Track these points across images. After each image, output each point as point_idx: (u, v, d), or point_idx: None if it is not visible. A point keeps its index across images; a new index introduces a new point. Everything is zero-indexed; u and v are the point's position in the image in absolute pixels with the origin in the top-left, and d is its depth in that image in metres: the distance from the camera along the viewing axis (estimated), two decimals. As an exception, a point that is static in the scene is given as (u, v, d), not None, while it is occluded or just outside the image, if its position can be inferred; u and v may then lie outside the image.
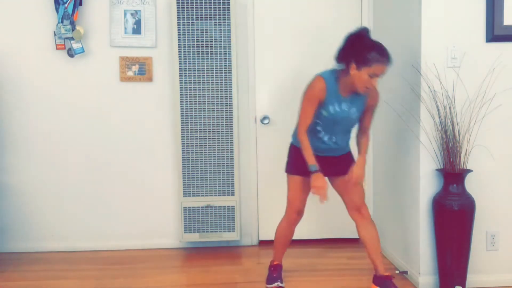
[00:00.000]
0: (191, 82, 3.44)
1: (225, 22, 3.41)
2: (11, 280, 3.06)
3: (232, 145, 3.50)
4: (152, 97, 3.58)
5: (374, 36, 3.59)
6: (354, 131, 2.76)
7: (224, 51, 3.43)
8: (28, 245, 3.59)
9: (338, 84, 2.54)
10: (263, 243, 3.73)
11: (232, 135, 3.49)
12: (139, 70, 3.54)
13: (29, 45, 3.49)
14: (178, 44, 3.41)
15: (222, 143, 3.50)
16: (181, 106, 3.45)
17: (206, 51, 3.43)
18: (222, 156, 3.50)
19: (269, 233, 3.67)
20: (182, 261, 3.45)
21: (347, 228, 3.72)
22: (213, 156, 3.50)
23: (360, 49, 2.42)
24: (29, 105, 3.53)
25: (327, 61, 3.65)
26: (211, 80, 3.45)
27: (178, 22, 3.39)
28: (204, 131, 3.48)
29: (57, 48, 3.48)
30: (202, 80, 3.44)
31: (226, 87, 3.46)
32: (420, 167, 2.80)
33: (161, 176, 3.64)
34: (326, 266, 3.27)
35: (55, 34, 3.46)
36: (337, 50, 2.55)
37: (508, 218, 2.86)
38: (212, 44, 3.42)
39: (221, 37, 3.42)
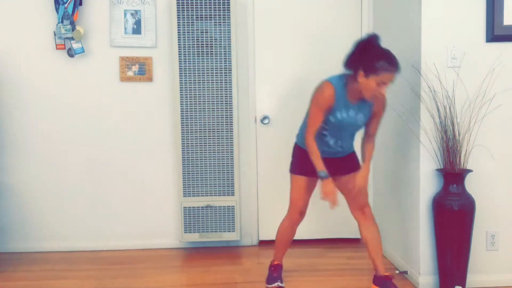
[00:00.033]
0: (191, 82, 3.44)
1: (225, 22, 3.41)
2: (11, 280, 3.06)
3: (232, 145, 3.50)
4: (152, 97, 3.59)
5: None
6: (360, 134, 2.75)
7: (224, 51, 3.43)
8: (28, 245, 3.59)
9: (346, 91, 2.52)
10: (263, 243, 3.73)
11: (232, 135, 3.49)
12: (139, 70, 3.54)
13: (29, 45, 3.49)
14: (178, 44, 3.41)
15: (222, 143, 3.50)
16: (181, 106, 3.45)
17: (206, 51, 3.43)
18: (222, 156, 3.50)
19: (269, 233, 3.67)
20: (182, 261, 3.45)
21: (347, 228, 3.73)
22: (213, 156, 3.50)
23: (368, 57, 2.40)
24: (29, 105, 3.53)
25: (327, 61, 3.67)
26: (211, 80, 3.45)
27: (178, 22, 3.39)
28: (204, 131, 3.48)
29: (57, 48, 3.48)
30: (202, 80, 3.44)
31: (226, 87, 3.46)
32: (420, 167, 2.81)
33: (161, 176, 3.64)
34: (326, 266, 3.27)
35: (55, 34, 3.46)
36: (345, 56, 2.53)
37: (508, 218, 2.86)
38: (212, 44, 3.42)
39: (221, 37, 3.42)
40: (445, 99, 2.72)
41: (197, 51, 3.42)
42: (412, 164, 2.90)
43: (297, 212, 2.81)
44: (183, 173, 3.50)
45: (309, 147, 2.58)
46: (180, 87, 3.44)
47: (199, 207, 3.53)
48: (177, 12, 3.38)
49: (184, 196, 3.51)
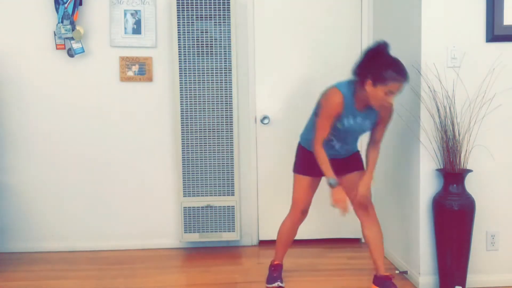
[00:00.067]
0: (191, 82, 3.44)
1: (225, 22, 3.40)
2: (11, 280, 3.06)
3: (232, 145, 3.50)
4: (152, 97, 3.59)
5: (374, 36, 3.61)
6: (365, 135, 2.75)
7: (224, 51, 3.43)
8: (28, 245, 3.59)
9: (354, 98, 2.51)
10: (263, 243, 3.73)
11: (232, 135, 3.49)
12: (139, 70, 3.54)
13: (29, 45, 3.49)
14: (178, 44, 3.41)
15: (222, 143, 3.50)
16: (181, 106, 3.45)
17: (206, 51, 3.43)
18: (222, 156, 3.50)
19: (269, 233, 3.67)
20: (182, 261, 3.45)
21: (347, 228, 3.73)
22: (213, 156, 3.50)
23: (377, 66, 2.39)
24: (29, 105, 3.53)
25: (327, 61, 3.67)
26: (211, 80, 3.45)
27: (178, 22, 3.39)
28: (204, 131, 3.48)
29: (57, 48, 3.48)
30: (202, 80, 3.44)
31: (226, 87, 3.46)
32: (420, 167, 2.81)
33: (161, 176, 3.64)
34: (326, 266, 3.27)
35: (55, 34, 3.46)
36: (355, 63, 2.52)
37: (508, 218, 2.86)
38: (212, 44, 3.42)
39: (221, 37, 3.42)
40: (445, 99, 2.72)
41: (197, 51, 3.42)
42: (412, 164, 2.90)
43: (299, 212, 2.81)
44: (183, 173, 3.50)
45: (317, 154, 2.56)
46: (180, 87, 3.44)
47: (199, 207, 3.53)
48: (177, 12, 3.38)
49: (184, 196, 3.51)
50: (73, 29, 3.42)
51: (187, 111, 3.46)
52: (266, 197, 3.72)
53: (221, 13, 3.39)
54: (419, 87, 2.76)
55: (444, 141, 2.71)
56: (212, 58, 3.43)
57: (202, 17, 3.39)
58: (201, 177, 3.51)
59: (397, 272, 3.08)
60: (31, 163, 3.56)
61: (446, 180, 2.71)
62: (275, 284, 2.87)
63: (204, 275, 3.12)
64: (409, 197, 2.98)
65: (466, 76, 2.76)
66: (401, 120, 3.01)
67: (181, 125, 3.46)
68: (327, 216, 3.67)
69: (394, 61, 2.42)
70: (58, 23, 3.41)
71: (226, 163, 3.51)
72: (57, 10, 3.41)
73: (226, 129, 3.49)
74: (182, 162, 3.49)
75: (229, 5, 3.39)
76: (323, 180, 2.80)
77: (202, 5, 3.38)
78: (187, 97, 3.45)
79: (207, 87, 3.45)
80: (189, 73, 3.43)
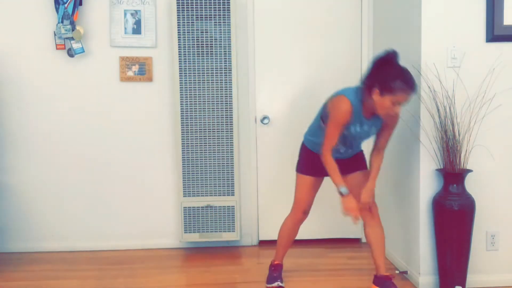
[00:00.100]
0: (191, 82, 3.44)
1: (225, 22, 3.40)
2: (11, 280, 3.06)
3: (232, 145, 3.50)
4: (152, 97, 3.59)
5: (374, 36, 3.61)
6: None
7: (224, 51, 3.43)
8: (28, 245, 3.59)
9: (362, 106, 2.50)
10: (263, 243, 3.73)
11: (232, 135, 3.49)
12: (139, 70, 3.54)
13: (29, 45, 3.49)
14: (178, 44, 3.41)
15: (222, 143, 3.50)
16: (181, 106, 3.45)
17: (206, 51, 3.43)
18: (222, 156, 3.50)
19: (269, 233, 3.67)
20: (182, 261, 3.45)
21: (347, 228, 3.73)
22: (213, 156, 3.50)
23: (385, 75, 2.37)
24: (29, 105, 3.53)
25: (327, 61, 3.67)
26: (211, 80, 3.44)
27: (178, 22, 3.39)
28: (204, 131, 3.48)
29: (57, 48, 3.48)
30: (202, 80, 3.44)
31: (226, 87, 3.46)
32: (420, 167, 2.81)
33: (161, 176, 3.64)
34: (326, 266, 3.27)
35: (55, 34, 3.46)
36: (364, 72, 2.51)
37: (508, 218, 2.86)
38: (212, 44, 3.42)
39: (221, 37, 3.42)
40: (445, 99, 2.72)
41: (197, 51, 3.42)
42: (412, 164, 2.90)
43: (301, 211, 2.81)
44: (183, 173, 3.49)
45: (327, 163, 2.54)
46: (180, 87, 3.44)
47: (199, 207, 3.53)
48: (177, 12, 3.38)
49: (184, 196, 3.51)
50: (73, 29, 3.42)
51: (187, 111, 3.46)
52: (266, 197, 3.72)
53: (221, 13, 3.39)
54: (419, 87, 2.75)
55: (444, 141, 2.71)
56: (212, 58, 3.43)
57: (202, 17, 3.39)
58: (201, 177, 3.51)
59: (397, 272, 3.08)
60: (31, 163, 3.56)
61: (446, 180, 2.71)
62: (275, 284, 2.87)
63: (204, 275, 3.12)
64: (409, 197, 2.98)
65: (466, 76, 2.76)
66: (401, 120, 3.00)
67: (181, 125, 3.46)
68: (327, 216, 3.67)
69: (403, 71, 2.39)
70: (58, 23, 3.41)
71: (226, 163, 3.51)
72: (57, 10, 3.41)
73: (226, 129, 3.49)
74: (182, 162, 3.49)
75: (229, 5, 3.39)
76: (325, 180, 2.81)
77: (202, 5, 3.38)
78: (187, 97, 3.45)
79: (207, 87, 3.45)
80: (189, 73, 3.43)
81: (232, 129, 3.49)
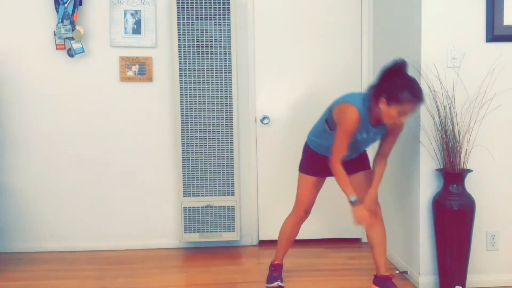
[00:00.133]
0: (191, 82, 3.44)
1: (225, 22, 3.40)
2: (11, 280, 3.06)
3: (232, 145, 3.50)
4: (152, 97, 3.59)
5: (374, 36, 3.61)
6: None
7: (224, 51, 3.43)
8: (28, 245, 3.59)
9: (369, 115, 2.48)
10: (263, 243, 3.73)
11: (232, 135, 3.49)
12: (139, 70, 3.54)
13: (29, 45, 3.49)
14: (178, 44, 3.41)
15: (222, 143, 3.50)
16: (181, 106, 3.45)
17: (206, 51, 3.43)
18: (222, 156, 3.50)
19: (269, 233, 3.67)
20: (182, 261, 3.45)
21: (347, 228, 3.73)
22: (213, 156, 3.50)
23: (392, 86, 2.35)
24: (29, 105, 3.53)
25: (327, 61, 3.67)
26: (211, 80, 3.45)
27: (178, 22, 3.39)
28: (204, 131, 3.48)
29: (57, 48, 3.48)
30: (202, 80, 3.44)
31: (226, 87, 3.46)
32: (420, 167, 2.81)
33: (161, 176, 3.64)
34: (326, 266, 3.27)
35: (55, 34, 3.46)
36: (373, 81, 2.49)
37: (508, 218, 2.86)
38: (212, 44, 3.42)
39: (221, 37, 3.42)
40: (445, 99, 2.72)
41: (197, 51, 3.42)
42: (412, 164, 2.90)
43: (302, 210, 2.82)
44: (183, 173, 3.49)
45: (336, 173, 2.52)
46: (180, 87, 3.44)
47: (199, 207, 3.53)
48: (177, 12, 3.38)
49: (184, 196, 3.51)
50: (73, 29, 3.42)
51: (187, 111, 3.46)
52: (266, 197, 3.72)
53: (221, 13, 3.39)
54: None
55: (444, 141, 2.71)
56: (212, 58, 3.43)
57: (202, 17, 3.39)
58: (201, 177, 3.51)
59: (397, 272, 3.08)
60: (31, 163, 3.56)
61: (446, 180, 2.71)
62: (275, 284, 2.87)
63: (204, 275, 3.12)
64: (409, 197, 2.98)
65: (466, 76, 2.76)
66: (401, 120, 3.00)
67: (181, 125, 3.46)
68: (327, 216, 3.67)
69: (411, 82, 2.38)
70: (58, 23, 3.41)
71: (226, 163, 3.51)
72: (57, 10, 3.41)
73: (226, 129, 3.49)
74: (182, 162, 3.49)
75: (229, 5, 3.39)
76: (327, 180, 2.81)
77: (202, 5, 3.38)
78: (187, 97, 3.45)
79: (207, 87, 3.45)
80: (189, 73, 3.43)
81: (232, 129, 3.49)
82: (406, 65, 2.41)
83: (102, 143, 3.59)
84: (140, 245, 3.66)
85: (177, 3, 3.37)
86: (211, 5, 3.38)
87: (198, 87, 3.45)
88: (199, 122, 3.47)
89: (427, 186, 2.81)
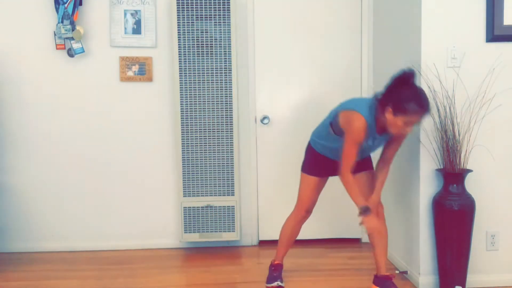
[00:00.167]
0: (191, 82, 3.44)
1: (225, 22, 3.40)
2: (11, 280, 3.06)
3: (232, 145, 3.50)
4: (152, 97, 3.59)
5: (374, 36, 3.61)
6: None
7: (224, 51, 3.43)
8: (28, 245, 3.59)
9: (375, 123, 2.48)
10: (263, 243, 3.73)
11: (232, 135, 3.49)
12: (139, 70, 3.54)
13: (29, 45, 3.49)
14: (178, 44, 3.41)
15: (222, 143, 3.50)
16: (181, 106, 3.45)
17: (206, 51, 3.43)
18: (222, 156, 3.50)
19: (269, 233, 3.67)
20: (182, 261, 3.45)
21: (347, 228, 3.73)
22: (213, 156, 3.50)
23: (399, 96, 2.34)
24: (29, 105, 3.53)
25: (327, 61, 3.67)
26: (211, 80, 3.45)
27: (178, 22, 3.39)
28: (204, 131, 3.48)
29: (57, 48, 3.48)
30: (202, 80, 3.44)
31: (226, 87, 3.46)
32: (420, 167, 2.81)
33: (161, 176, 3.64)
34: (326, 266, 3.27)
35: (55, 34, 3.46)
36: (382, 90, 2.47)
37: (508, 218, 2.86)
38: (212, 44, 3.42)
39: (221, 37, 3.42)
40: (445, 99, 2.72)
41: (197, 51, 3.42)
42: (412, 164, 2.90)
43: (304, 209, 2.82)
44: (183, 173, 3.49)
45: (347, 184, 2.51)
46: (180, 87, 3.44)
47: (199, 207, 3.53)
48: (177, 12, 3.38)
49: (184, 196, 3.51)
50: (73, 29, 3.42)
51: (187, 111, 3.46)
52: (266, 197, 3.72)
53: (221, 13, 3.39)
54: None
55: (444, 141, 2.71)
56: (212, 58, 3.43)
57: (202, 17, 3.39)
58: (201, 177, 3.51)
59: (397, 272, 3.08)
60: (31, 163, 3.56)
61: (446, 180, 2.71)
62: (275, 284, 2.87)
63: (204, 275, 3.12)
64: (409, 197, 2.98)
65: (466, 76, 2.76)
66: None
67: (181, 125, 3.46)
68: (327, 216, 3.67)
69: (418, 93, 2.37)
70: (58, 23, 3.41)
71: (226, 163, 3.51)
72: (57, 10, 3.41)
73: (226, 129, 3.49)
74: (182, 162, 3.49)
75: (229, 5, 3.39)
76: (330, 180, 2.81)
77: (202, 5, 3.38)
78: (187, 97, 3.45)
79: (207, 87, 3.45)
80: (189, 73, 3.43)
81: (232, 129, 3.49)
82: (414, 75, 2.40)
83: (102, 143, 3.59)
84: (140, 245, 3.66)
85: (177, 3, 3.37)
86: (211, 5, 3.38)
87: (198, 87, 3.45)
88: (199, 122, 3.47)
89: (427, 186, 2.81)
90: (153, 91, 3.58)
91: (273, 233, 3.42)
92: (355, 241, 3.76)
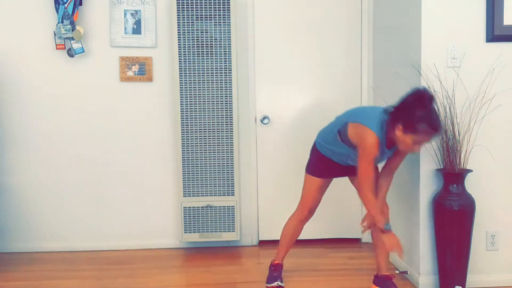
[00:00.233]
0: (191, 82, 3.44)
1: (225, 22, 3.40)
2: (11, 280, 3.06)
3: (232, 145, 3.50)
4: (152, 97, 3.58)
5: (374, 36, 3.61)
6: None
7: (224, 51, 3.43)
8: (28, 245, 3.59)
9: (385, 138, 2.46)
10: (263, 243, 3.73)
11: (232, 135, 3.49)
12: (139, 70, 3.54)
13: (29, 45, 3.49)
14: (178, 44, 3.41)
15: (222, 143, 3.50)
16: (181, 106, 3.45)
17: (206, 51, 3.43)
18: (222, 156, 3.50)
19: (269, 233, 3.67)
20: (182, 261, 3.45)
21: (347, 228, 3.73)
22: (213, 156, 3.50)
23: (411, 115, 2.32)
24: (29, 105, 3.53)
25: (327, 61, 3.67)
26: (211, 80, 3.45)
27: (178, 22, 3.39)
28: (204, 131, 3.48)
29: (57, 48, 3.48)
30: (202, 80, 3.44)
31: (226, 87, 3.46)
32: (420, 167, 2.81)
33: (161, 176, 3.64)
34: (326, 266, 3.27)
35: (55, 34, 3.46)
36: (394, 104, 2.45)
37: (508, 218, 2.86)
38: (212, 44, 3.42)
39: (221, 37, 3.42)
40: (445, 99, 2.72)
41: (197, 51, 3.42)
42: (412, 164, 2.90)
43: (307, 209, 2.83)
44: (183, 173, 3.49)
45: (368, 201, 2.49)
46: (180, 87, 3.44)
47: (199, 207, 3.53)
48: (177, 12, 3.38)
49: (184, 196, 3.51)
50: (73, 29, 3.42)
51: (187, 111, 3.46)
52: (266, 197, 3.72)
53: (221, 13, 3.39)
54: (419, 87, 2.75)
55: (444, 141, 2.71)
56: (212, 58, 3.43)
57: (202, 17, 3.39)
58: (201, 177, 3.51)
59: (397, 272, 3.08)
60: (31, 163, 3.56)
61: (446, 180, 2.71)
62: (275, 284, 2.87)
63: (204, 275, 3.12)
64: (409, 197, 2.98)
65: (466, 76, 2.76)
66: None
67: (181, 125, 3.46)
68: (327, 216, 3.67)
69: (430, 113, 2.34)
70: (58, 23, 3.41)
71: (226, 163, 3.51)
72: (57, 10, 3.41)
73: (226, 129, 3.49)
74: (182, 162, 3.49)
75: (229, 5, 3.39)
76: (333, 181, 2.81)
77: (202, 5, 3.38)
78: (187, 97, 3.45)
79: (207, 87, 3.45)
80: (189, 73, 3.43)
81: (232, 129, 3.49)
82: (428, 94, 2.36)
83: (102, 143, 3.59)
84: (140, 245, 3.66)
85: (177, 3, 3.37)
86: (211, 5, 3.38)
87: (198, 87, 3.45)
88: (199, 122, 3.47)
89: (427, 186, 2.81)
90: (153, 91, 3.58)
91: (273, 233, 3.42)
92: (355, 241, 3.76)
